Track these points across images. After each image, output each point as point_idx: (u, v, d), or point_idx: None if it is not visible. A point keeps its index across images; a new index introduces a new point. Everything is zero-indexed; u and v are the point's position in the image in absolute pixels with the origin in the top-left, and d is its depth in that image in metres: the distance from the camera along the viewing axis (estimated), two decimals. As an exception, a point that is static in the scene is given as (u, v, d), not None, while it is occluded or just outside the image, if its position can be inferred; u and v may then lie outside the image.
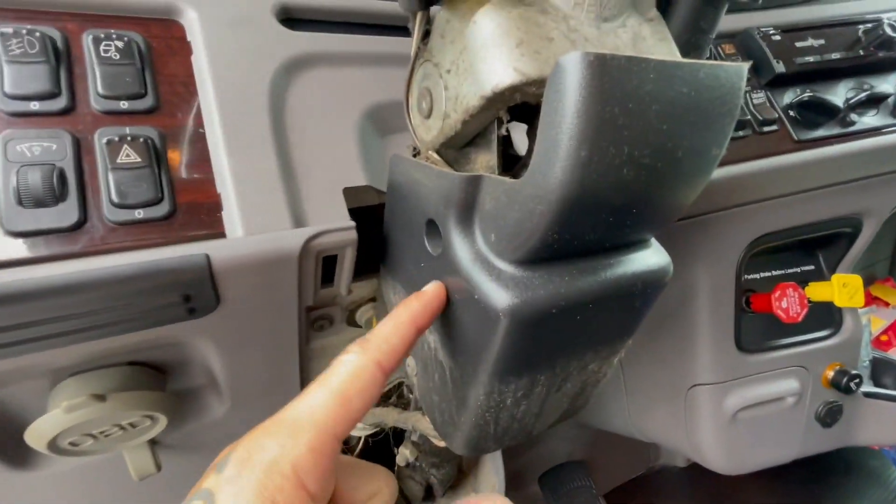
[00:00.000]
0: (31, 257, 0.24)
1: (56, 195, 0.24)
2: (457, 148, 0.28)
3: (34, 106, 0.26)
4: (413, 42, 0.27)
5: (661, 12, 0.29)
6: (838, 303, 0.61)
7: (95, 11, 0.29)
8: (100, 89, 0.27)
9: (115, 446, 0.34)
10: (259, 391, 0.40)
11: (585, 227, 0.22)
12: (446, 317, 0.27)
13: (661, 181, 0.21)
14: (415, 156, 0.30)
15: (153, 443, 0.37)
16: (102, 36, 0.28)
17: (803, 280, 0.68)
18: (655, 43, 0.25)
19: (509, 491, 0.68)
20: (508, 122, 0.24)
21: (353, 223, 0.30)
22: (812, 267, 0.69)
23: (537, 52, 0.20)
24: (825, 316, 0.70)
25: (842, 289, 0.61)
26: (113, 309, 0.25)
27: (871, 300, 1.09)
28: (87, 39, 0.28)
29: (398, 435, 0.59)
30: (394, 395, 0.54)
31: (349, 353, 0.21)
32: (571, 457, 1.04)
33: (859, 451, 0.86)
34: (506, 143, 0.28)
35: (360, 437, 0.55)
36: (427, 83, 0.26)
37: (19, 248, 0.24)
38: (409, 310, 0.24)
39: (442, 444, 0.51)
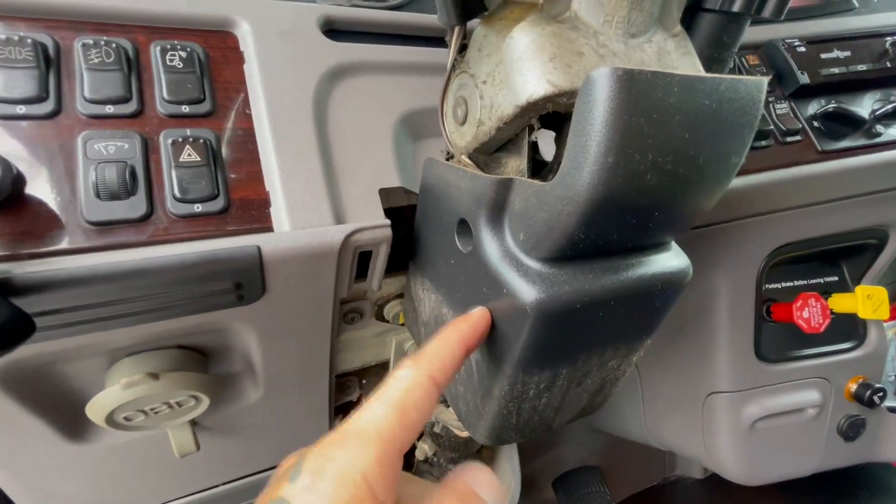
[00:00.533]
0: (107, 244, 0.26)
1: (128, 189, 0.27)
2: (488, 153, 0.30)
3: (109, 109, 0.29)
4: (450, 54, 0.29)
5: (685, 27, 0.30)
6: (862, 314, 0.60)
7: (162, 24, 0.32)
8: (165, 95, 0.30)
9: (162, 423, 0.37)
10: (292, 379, 0.42)
11: (610, 228, 0.23)
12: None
13: (682, 186, 0.23)
14: (448, 160, 0.32)
15: (194, 423, 0.40)
16: (168, 47, 0.31)
17: (826, 291, 0.67)
18: (679, 57, 0.26)
19: (523, 494, 0.69)
20: (538, 129, 0.25)
21: (388, 221, 0.32)
22: (836, 278, 0.69)
23: (569, 65, 0.22)
24: (849, 328, 0.69)
25: (866, 300, 0.60)
26: (173, 293, 0.28)
27: (899, 315, 1.07)
28: (154, 50, 0.31)
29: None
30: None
31: (403, 369, 0.22)
32: (586, 463, 1.04)
33: (885, 469, 0.84)
34: (533, 149, 0.30)
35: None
36: (463, 92, 0.28)
37: (97, 236, 0.26)
38: (457, 330, 0.25)
39: (465, 434, 0.53)
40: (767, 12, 0.30)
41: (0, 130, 0.27)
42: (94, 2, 0.31)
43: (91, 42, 0.29)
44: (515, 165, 0.28)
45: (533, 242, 0.25)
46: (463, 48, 0.28)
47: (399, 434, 0.20)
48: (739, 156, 0.24)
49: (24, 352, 0.29)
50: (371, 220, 0.32)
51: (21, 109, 0.27)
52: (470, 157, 0.31)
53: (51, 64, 0.29)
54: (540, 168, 0.30)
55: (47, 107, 0.28)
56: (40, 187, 0.27)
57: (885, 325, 0.75)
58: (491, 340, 0.28)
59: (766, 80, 0.23)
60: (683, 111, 0.20)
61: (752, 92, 0.22)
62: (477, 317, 0.26)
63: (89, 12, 0.31)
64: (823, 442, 0.69)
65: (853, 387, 0.67)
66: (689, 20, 0.30)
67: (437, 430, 0.54)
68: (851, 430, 0.68)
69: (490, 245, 0.26)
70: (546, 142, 0.30)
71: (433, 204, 0.32)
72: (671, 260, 0.28)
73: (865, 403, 0.66)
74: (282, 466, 0.20)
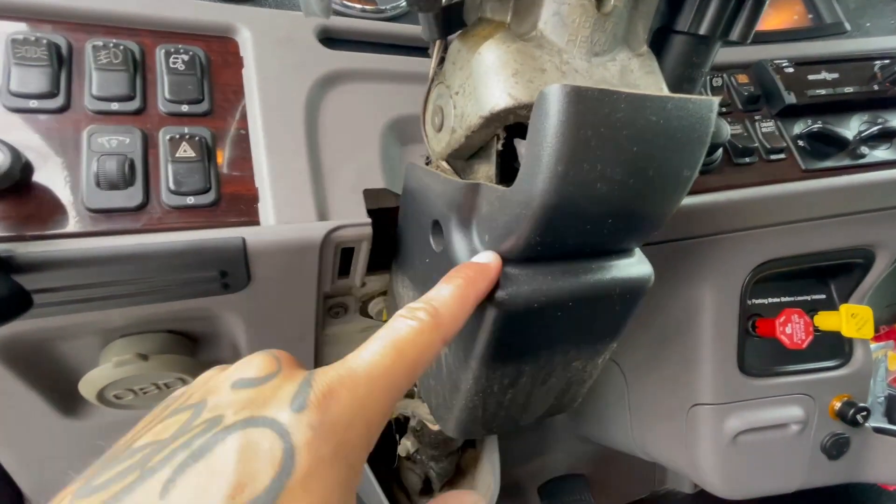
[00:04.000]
0: (104, 230, 0.29)
1: (126, 180, 0.29)
2: (464, 158, 0.32)
3: (114, 106, 0.31)
4: (431, 66, 0.31)
5: (658, 47, 0.32)
6: (846, 333, 0.61)
7: (168, 29, 0.35)
8: (167, 94, 0.33)
9: (150, 403, 0.39)
10: (277, 368, 0.44)
11: (565, 233, 0.25)
12: None
13: (633, 196, 0.24)
14: (427, 164, 0.34)
15: (181, 406, 0.42)
16: (172, 50, 0.34)
17: (814, 308, 0.68)
18: (642, 75, 0.28)
19: (508, 499, 0.70)
20: (505, 138, 0.27)
21: (369, 220, 0.34)
22: (823, 296, 0.70)
23: (530, 81, 0.24)
24: (835, 346, 0.69)
25: (850, 319, 0.61)
26: (163, 278, 0.30)
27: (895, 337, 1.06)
28: (159, 53, 0.33)
29: (401, 427, 0.62)
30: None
31: (421, 321, 0.20)
32: (574, 471, 1.04)
33: (872, 490, 0.84)
34: (512, 156, 0.32)
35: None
36: (440, 102, 0.30)
37: (95, 222, 0.29)
38: (476, 289, 0.23)
39: (437, 427, 0.54)
40: (735, 36, 0.31)
41: (13, 122, 0.29)
42: (107, 6, 0.33)
43: (101, 44, 0.32)
44: (485, 171, 0.29)
45: (497, 244, 0.26)
46: (442, 60, 0.30)
47: (403, 392, 0.19)
48: (692, 169, 0.25)
49: (24, 326, 0.31)
50: (353, 219, 0.34)
51: (33, 104, 0.30)
52: (448, 163, 0.33)
53: (63, 63, 0.31)
54: (515, 173, 0.32)
55: (57, 102, 0.30)
56: (47, 175, 0.29)
57: (873, 345, 0.75)
58: (458, 336, 0.30)
59: (716, 99, 0.25)
60: (630, 126, 0.22)
61: (701, 110, 0.24)
62: (494, 272, 0.24)
63: (101, 16, 0.33)
64: (807, 459, 0.69)
65: (837, 405, 0.67)
66: (661, 40, 0.32)
67: (413, 423, 0.55)
68: (835, 449, 0.68)
69: (459, 245, 0.28)
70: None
71: (412, 205, 0.34)
72: (632, 267, 0.30)
73: (849, 422, 0.66)
74: (252, 366, 0.18)
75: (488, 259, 0.25)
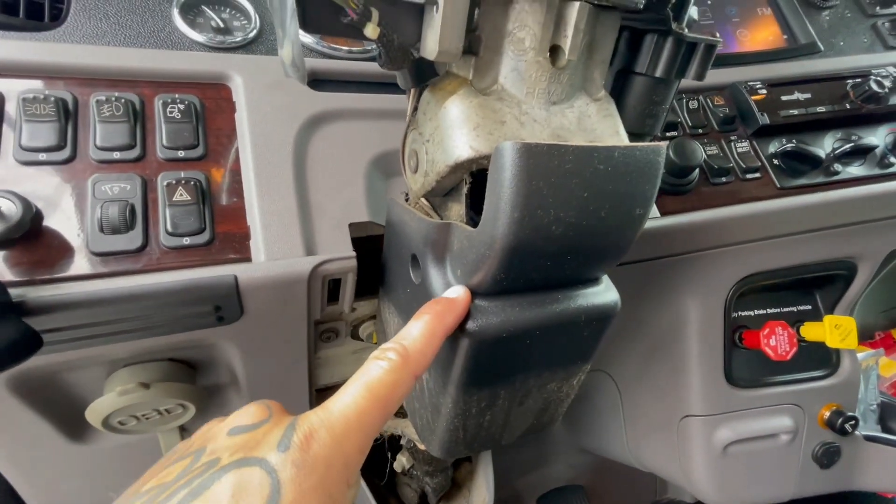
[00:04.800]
0: (107, 272, 0.31)
1: (127, 225, 0.32)
2: (440, 197, 0.34)
3: (116, 155, 0.34)
4: (408, 113, 0.33)
5: (620, 87, 0.35)
6: (830, 343, 0.62)
7: (166, 79, 0.37)
8: (164, 142, 0.35)
9: (152, 428, 0.41)
10: (273, 391, 0.46)
11: (527, 269, 0.27)
12: None
13: (588, 234, 0.26)
14: (407, 200, 0.36)
15: (182, 429, 0.44)
16: (169, 100, 0.36)
17: (799, 319, 0.69)
18: (599, 119, 0.30)
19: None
20: (470, 182, 0.29)
21: (353, 253, 0.37)
22: (809, 307, 0.71)
23: (490, 133, 0.26)
24: (823, 356, 0.71)
25: (834, 329, 0.62)
26: (162, 314, 0.32)
27: (891, 344, 1.06)
28: (157, 103, 0.36)
29: (394, 443, 0.64)
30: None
31: (391, 361, 0.22)
32: (572, 482, 1.05)
33: (871, 498, 0.84)
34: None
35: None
36: (414, 146, 0.32)
37: (99, 265, 0.31)
38: (444, 325, 0.25)
39: (423, 446, 0.56)
40: (690, 76, 0.34)
41: (25, 174, 0.32)
42: (110, 62, 0.36)
43: (104, 98, 0.34)
44: (457, 211, 0.32)
45: (467, 278, 0.28)
46: (417, 109, 0.32)
47: (378, 428, 0.21)
48: (644, 208, 0.27)
49: (34, 362, 0.33)
50: (338, 252, 0.36)
51: (42, 156, 0.32)
52: (427, 199, 0.35)
53: (69, 117, 0.34)
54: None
55: (64, 154, 0.33)
56: (55, 222, 0.31)
57: (864, 353, 0.76)
58: (437, 362, 0.32)
59: (663, 145, 0.27)
60: (579, 175, 0.24)
61: (649, 156, 0.26)
62: (461, 306, 0.26)
63: (105, 71, 0.36)
64: (799, 468, 0.69)
65: (826, 414, 0.68)
66: (623, 80, 0.35)
67: (403, 442, 0.57)
68: (826, 458, 0.69)
69: (435, 279, 0.30)
70: None
71: (394, 238, 0.36)
72: (598, 295, 0.31)
73: (837, 431, 0.67)
74: (246, 414, 0.21)
75: (457, 293, 0.27)
